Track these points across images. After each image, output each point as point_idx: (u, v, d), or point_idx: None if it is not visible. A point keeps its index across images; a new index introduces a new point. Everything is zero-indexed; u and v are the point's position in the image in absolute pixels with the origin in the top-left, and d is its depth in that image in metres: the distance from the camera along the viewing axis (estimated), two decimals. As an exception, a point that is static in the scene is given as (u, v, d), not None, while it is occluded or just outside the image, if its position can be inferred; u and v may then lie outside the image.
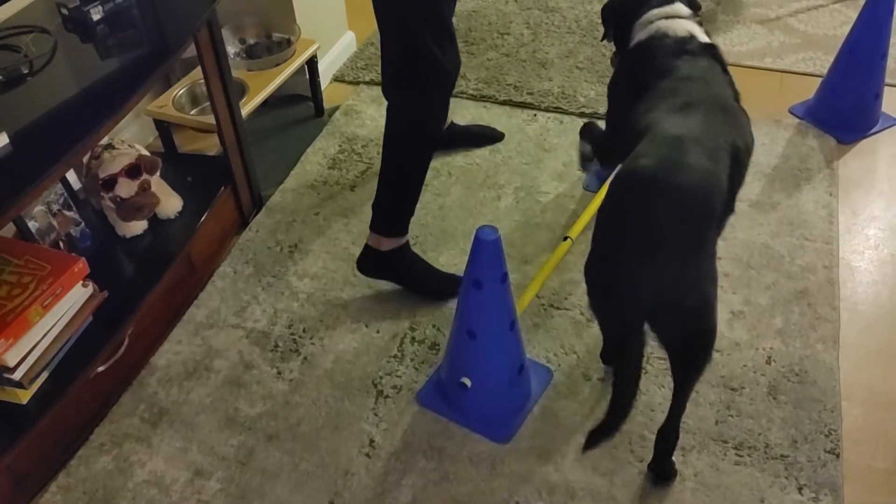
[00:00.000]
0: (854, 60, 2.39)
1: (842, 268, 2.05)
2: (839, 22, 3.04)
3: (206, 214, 2.09)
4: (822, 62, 2.81)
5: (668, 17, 1.73)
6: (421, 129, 1.86)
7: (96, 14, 1.87)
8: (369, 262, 2.00)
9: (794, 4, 3.17)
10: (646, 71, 1.67)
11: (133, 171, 1.92)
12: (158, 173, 2.00)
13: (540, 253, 2.13)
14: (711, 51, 1.69)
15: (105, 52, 1.82)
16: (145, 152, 2.03)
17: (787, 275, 2.02)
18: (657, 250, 1.29)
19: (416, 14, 1.69)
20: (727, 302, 1.97)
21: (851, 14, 3.07)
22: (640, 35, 1.75)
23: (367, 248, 1.99)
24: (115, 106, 1.65)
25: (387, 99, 1.87)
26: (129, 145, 2.03)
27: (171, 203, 2.06)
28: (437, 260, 2.12)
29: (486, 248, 1.50)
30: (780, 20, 3.08)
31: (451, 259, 2.13)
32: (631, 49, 1.78)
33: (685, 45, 1.67)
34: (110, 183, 1.90)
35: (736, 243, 2.12)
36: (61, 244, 1.88)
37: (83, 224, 1.94)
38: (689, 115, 1.47)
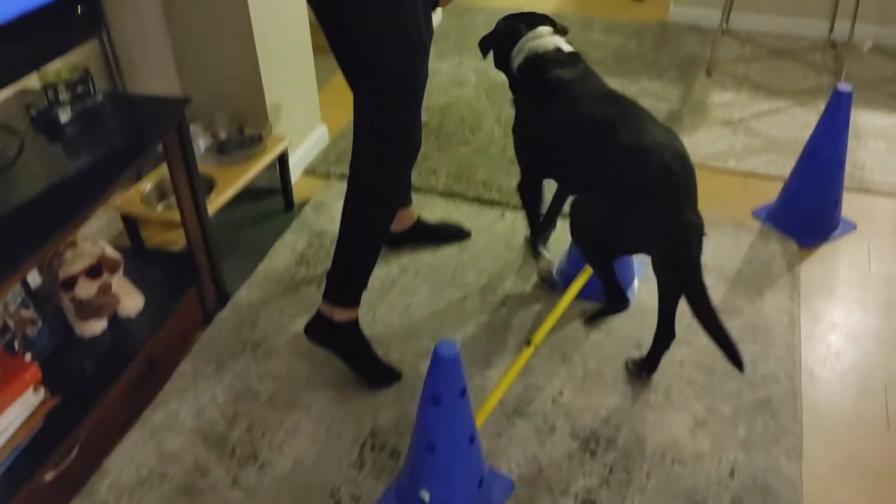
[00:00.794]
0: (813, 168, 2.46)
1: (804, 376, 2.06)
2: (800, 125, 3.13)
3: (168, 313, 2.07)
4: (784, 165, 2.88)
5: (534, 39, 2.06)
6: (378, 195, 1.92)
7: (65, 115, 1.88)
8: (318, 329, 2.04)
9: (756, 107, 3.27)
10: (535, 87, 2.02)
11: (94, 271, 1.90)
12: (121, 272, 1.99)
13: (505, 356, 2.12)
14: (578, 56, 2.05)
15: (73, 153, 1.83)
16: (109, 250, 2.01)
17: (751, 383, 2.03)
18: (695, 202, 1.80)
19: (394, 82, 1.80)
20: (690, 409, 1.96)
21: (811, 118, 3.17)
22: (518, 60, 2.07)
23: (318, 314, 2.02)
24: (81, 207, 1.64)
25: (352, 159, 1.93)
26: (93, 242, 2.01)
27: (132, 302, 2.03)
28: (400, 361, 2.11)
29: (444, 364, 1.49)
30: (742, 122, 3.17)
31: (416, 360, 2.11)
32: (516, 75, 2.10)
33: (558, 57, 2.02)
34: (70, 283, 1.88)
35: (699, 349, 2.13)
36: (16, 344, 1.85)
37: (40, 323, 1.91)
38: (612, 107, 1.87)
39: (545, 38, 2.05)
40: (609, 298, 2.11)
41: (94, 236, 2.10)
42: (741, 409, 1.96)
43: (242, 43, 2.48)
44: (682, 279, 1.82)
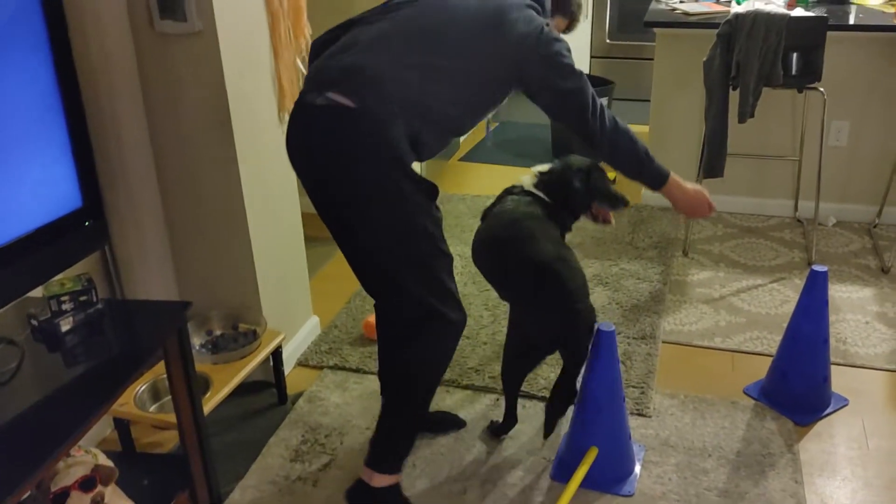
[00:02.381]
0: (798, 348, 2.51)
1: (819, 565, 2.00)
2: (779, 301, 3.23)
3: (160, 522, 2.00)
4: (769, 341, 2.94)
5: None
6: (430, 375, 2.08)
7: (66, 325, 1.90)
8: (358, 495, 2.16)
9: (734, 284, 3.38)
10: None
11: (87, 483, 1.84)
12: (115, 482, 1.93)
13: (510, 554, 2.05)
14: (530, 193, 2.37)
15: (74, 364, 1.83)
16: (103, 459, 1.97)
17: (765, 575, 1.97)
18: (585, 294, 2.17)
19: (413, 279, 1.93)
20: None
21: (789, 293, 3.27)
22: None
23: (359, 481, 2.15)
24: (81, 422, 1.63)
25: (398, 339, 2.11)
26: (86, 451, 1.97)
27: (124, 512, 1.96)
28: None
29: None
30: (724, 300, 3.26)
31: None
32: None
33: (512, 191, 2.41)
34: (62, 497, 1.81)
35: (709, 538, 2.08)
36: (1, 566, 1.76)
37: (28, 540, 1.83)
38: (513, 229, 2.32)
39: (525, 177, 2.43)
40: (506, 416, 2.47)
41: (86, 444, 2.06)
42: None
43: (240, 243, 2.56)
44: (572, 354, 2.21)
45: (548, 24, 2.01)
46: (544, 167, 2.45)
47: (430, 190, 1.94)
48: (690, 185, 2.28)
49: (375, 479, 2.10)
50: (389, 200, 1.86)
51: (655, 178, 2.19)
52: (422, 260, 1.93)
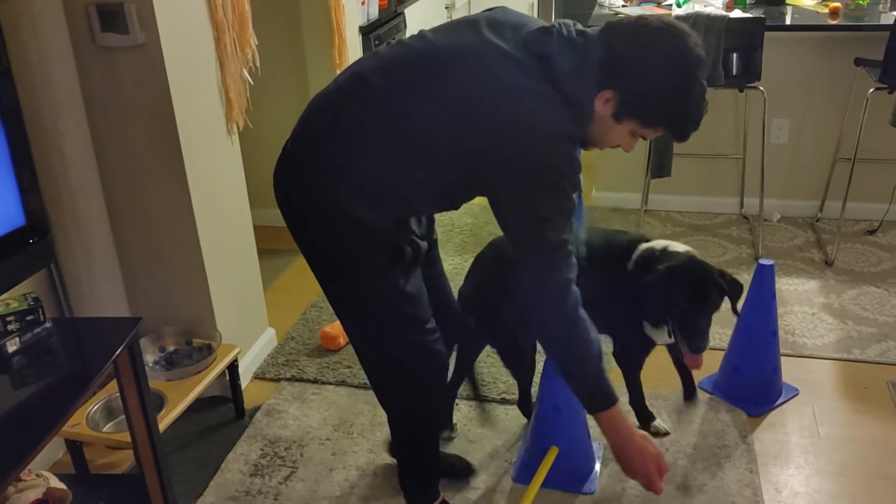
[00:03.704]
0: (749, 341, 2.57)
1: (776, 551, 2.05)
2: (729, 296, 3.29)
3: (117, 544, 1.96)
4: (721, 335, 2.99)
5: None
6: (415, 413, 2.02)
7: (12, 346, 1.85)
8: None
9: (686, 281, 3.43)
10: None
11: (40, 507, 1.81)
12: (68, 504, 1.89)
13: (474, 558, 2.06)
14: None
15: (21, 386, 1.79)
16: (55, 482, 1.93)
17: (725, 564, 2.00)
18: None
19: (381, 328, 1.87)
20: None
21: (738, 288, 3.34)
22: None
23: None
24: (32, 443, 1.58)
25: (382, 405, 2.06)
26: (37, 474, 1.93)
27: (80, 535, 1.92)
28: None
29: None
30: (675, 297, 3.31)
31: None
32: None
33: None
34: (14, 522, 1.78)
35: (669, 531, 2.11)
36: None
37: (-21, 569, 1.78)
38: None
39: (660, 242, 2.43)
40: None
41: (38, 467, 2.01)
42: (720, 593, 1.92)
43: (190, 256, 2.52)
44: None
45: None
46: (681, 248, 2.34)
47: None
48: (639, 438, 1.80)
49: None
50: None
51: (597, 398, 1.78)
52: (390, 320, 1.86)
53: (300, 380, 2.86)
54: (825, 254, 3.62)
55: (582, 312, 1.70)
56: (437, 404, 2.10)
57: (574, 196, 1.65)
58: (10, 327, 1.84)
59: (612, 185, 4.27)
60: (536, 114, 1.59)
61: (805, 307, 3.19)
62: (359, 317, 1.88)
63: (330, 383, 2.82)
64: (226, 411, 2.71)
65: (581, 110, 1.61)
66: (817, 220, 3.98)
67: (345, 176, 1.68)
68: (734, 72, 3.37)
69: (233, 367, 2.63)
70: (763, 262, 2.50)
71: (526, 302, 1.72)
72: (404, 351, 1.88)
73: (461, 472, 2.34)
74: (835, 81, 3.77)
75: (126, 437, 2.11)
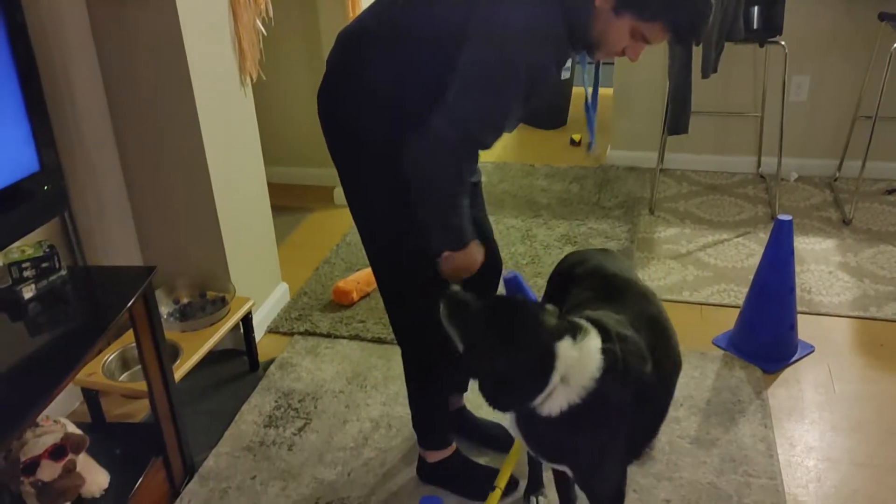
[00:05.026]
0: (765, 297, 2.54)
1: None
2: (744, 254, 3.27)
3: (134, 490, 1.97)
4: (736, 293, 2.98)
5: None
6: (427, 368, 2.02)
7: (28, 292, 1.86)
8: (424, 472, 2.19)
9: (700, 240, 3.41)
10: None
11: (57, 451, 1.82)
12: (85, 450, 1.90)
13: (487, 507, 2.07)
14: None
15: (38, 332, 1.79)
16: (72, 427, 1.93)
17: (738, 516, 2.00)
18: None
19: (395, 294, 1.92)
20: (683, 550, 1.91)
21: (754, 247, 3.32)
22: None
23: (420, 458, 2.18)
24: (47, 388, 1.59)
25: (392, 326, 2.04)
26: (55, 421, 1.93)
27: (96, 481, 1.93)
28: (381, 523, 2.03)
29: None
30: (690, 255, 3.29)
31: (397, 521, 2.04)
32: None
33: None
34: (32, 466, 1.79)
35: (683, 484, 2.11)
36: (-28, 538, 1.73)
37: (-2, 512, 1.80)
38: None
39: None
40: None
41: (55, 415, 2.03)
42: (733, 544, 1.93)
43: (204, 208, 2.51)
44: None
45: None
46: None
47: None
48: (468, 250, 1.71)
49: (429, 456, 2.14)
50: None
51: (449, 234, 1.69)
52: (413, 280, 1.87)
53: (313, 334, 2.86)
54: (843, 213, 3.58)
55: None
56: (444, 357, 2.03)
57: (512, 108, 1.59)
58: (25, 274, 1.85)
59: (627, 143, 4.22)
60: (519, 7, 1.54)
61: (822, 266, 3.16)
62: (377, 217, 1.85)
63: (343, 337, 2.82)
64: (240, 364, 2.72)
65: (578, 4, 1.54)
66: (835, 180, 3.93)
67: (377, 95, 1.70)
68: (755, 25, 3.31)
69: (246, 320, 2.64)
70: (781, 217, 2.47)
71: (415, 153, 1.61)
72: (420, 261, 1.81)
73: (501, 442, 2.26)
74: (857, 37, 3.70)
75: (142, 386, 2.12)
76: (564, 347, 1.45)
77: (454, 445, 2.14)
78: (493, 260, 2.07)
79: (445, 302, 1.58)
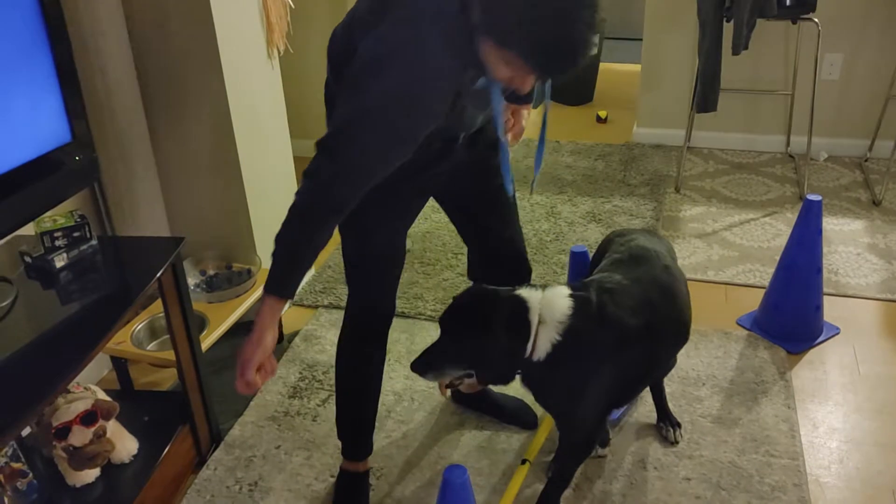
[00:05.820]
0: (792, 277, 2.52)
1: (811, 485, 2.04)
2: (771, 235, 3.24)
3: (162, 456, 2.01)
4: (762, 273, 2.96)
5: None
6: (347, 353, 1.98)
7: (60, 261, 1.89)
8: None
9: (727, 219, 3.38)
10: None
11: (88, 417, 1.86)
12: (115, 417, 1.94)
13: (507, 477, 2.08)
14: None
15: (69, 300, 1.82)
16: (102, 395, 1.98)
17: (759, 495, 2.00)
18: None
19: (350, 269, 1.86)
20: (703, 527, 1.92)
21: (781, 227, 3.28)
22: None
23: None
24: (78, 356, 1.62)
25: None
26: (85, 388, 1.98)
27: (126, 447, 1.98)
28: (404, 494, 2.06)
29: (455, 490, 1.46)
30: (716, 234, 3.27)
31: (419, 493, 2.06)
32: None
33: None
34: (63, 431, 1.83)
35: (703, 462, 2.11)
36: (6, 500, 1.77)
37: (31, 475, 1.84)
38: None
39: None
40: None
41: (85, 383, 2.07)
42: (753, 522, 1.93)
43: (231, 181, 2.53)
44: None
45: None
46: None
47: None
48: (265, 337, 1.52)
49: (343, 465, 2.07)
50: None
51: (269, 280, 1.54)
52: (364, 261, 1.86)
53: (337, 307, 2.88)
54: (873, 194, 3.53)
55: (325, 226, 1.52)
56: (382, 310, 1.93)
57: (399, 151, 1.45)
58: (57, 243, 1.87)
59: (653, 120, 4.18)
60: (407, 43, 1.38)
61: (850, 247, 3.13)
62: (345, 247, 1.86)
63: (367, 311, 2.84)
64: (265, 335, 2.75)
65: (458, 24, 1.35)
66: (866, 160, 3.87)
67: None
68: (788, 2, 3.25)
69: (272, 293, 2.66)
70: (811, 197, 2.44)
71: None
72: (361, 286, 1.86)
73: (524, 418, 2.28)
74: (892, 15, 3.62)
75: (170, 355, 2.16)
76: (532, 296, 1.66)
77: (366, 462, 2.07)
78: (519, 268, 2.07)
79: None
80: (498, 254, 2.04)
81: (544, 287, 1.70)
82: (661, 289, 1.80)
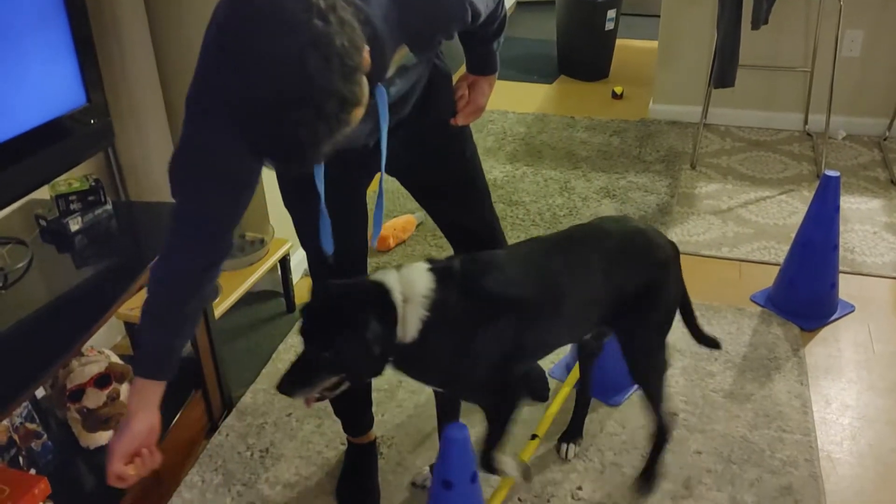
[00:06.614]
0: (808, 254, 2.50)
1: (822, 461, 2.04)
2: (787, 212, 3.21)
3: (174, 421, 2.03)
4: (777, 251, 2.94)
5: None
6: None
7: (75, 225, 1.89)
8: None
9: (742, 196, 3.36)
10: None
11: (102, 380, 1.87)
12: (129, 380, 1.95)
13: (517, 451, 2.09)
14: None
15: (82, 263, 1.84)
16: (115, 358, 1.99)
17: (770, 470, 2.00)
18: None
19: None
20: (712, 500, 1.92)
21: (797, 205, 3.26)
22: None
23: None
24: (91, 319, 1.64)
25: None
26: (99, 351, 1.99)
27: (139, 411, 1.99)
28: (414, 462, 2.07)
29: (455, 447, 1.47)
30: (731, 211, 3.25)
31: (429, 462, 2.07)
32: None
33: None
34: (77, 393, 1.84)
35: (715, 436, 2.11)
36: (21, 460, 1.79)
37: (45, 436, 1.86)
38: None
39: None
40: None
41: (98, 346, 2.08)
42: (764, 497, 1.93)
43: (245, 150, 2.52)
44: None
45: None
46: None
47: None
48: (141, 425, 1.39)
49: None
50: None
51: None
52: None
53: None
54: (891, 173, 3.49)
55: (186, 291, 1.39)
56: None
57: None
58: (72, 206, 1.88)
59: (670, 96, 4.14)
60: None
61: (866, 225, 3.10)
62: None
63: (379, 282, 2.84)
64: (276, 305, 2.76)
65: None
66: (885, 139, 3.82)
67: None
68: (809, -24, 3.20)
69: (284, 262, 2.67)
70: (829, 173, 2.41)
71: None
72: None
73: (539, 390, 2.28)
74: (916, -9, 3.57)
75: (182, 321, 2.16)
76: (388, 277, 1.51)
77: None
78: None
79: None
80: (467, 237, 1.98)
81: (398, 267, 1.56)
82: (575, 263, 1.68)
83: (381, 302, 1.48)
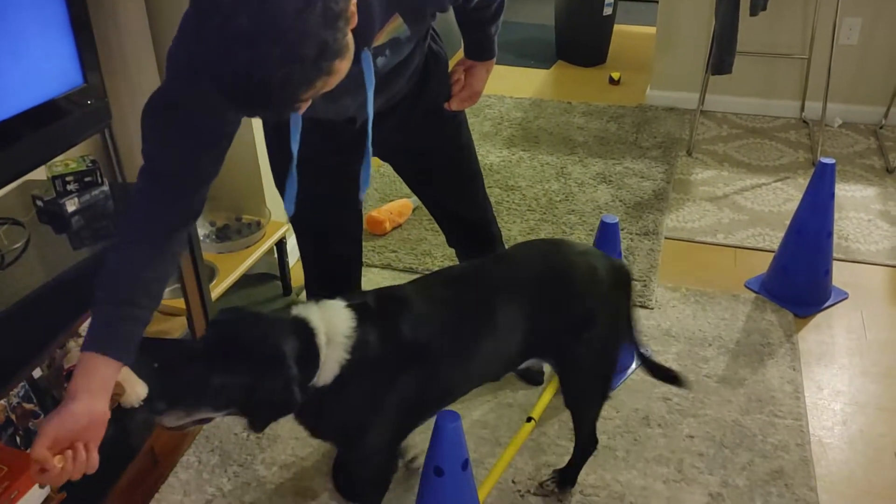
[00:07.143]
0: (802, 241, 2.52)
1: (814, 445, 2.06)
2: (782, 199, 3.23)
3: (171, 402, 2.04)
4: (772, 238, 2.95)
5: None
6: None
7: (72, 206, 1.89)
8: None
9: (738, 183, 3.37)
10: None
11: (100, 361, 1.87)
12: (125, 361, 1.96)
13: (511, 434, 2.10)
14: None
15: (79, 244, 1.83)
16: (112, 340, 1.99)
17: (762, 454, 2.02)
18: None
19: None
20: (704, 484, 1.94)
21: (792, 192, 3.27)
22: None
23: None
24: (88, 300, 1.63)
25: None
26: (96, 332, 1.99)
27: (135, 391, 1.99)
28: (410, 442, 2.08)
29: (446, 435, 1.48)
30: (727, 198, 3.26)
31: (425, 444, 2.08)
32: None
33: None
34: (75, 374, 1.85)
35: (707, 420, 2.13)
36: (18, 439, 1.80)
37: (42, 416, 1.87)
38: None
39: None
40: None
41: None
42: (755, 481, 1.95)
43: (242, 133, 2.51)
44: None
45: None
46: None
47: None
48: (80, 406, 1.22)
49: None
50: None
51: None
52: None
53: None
54: (886, 161, 3.50)
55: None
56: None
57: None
58: (69, 187, 1.88)
59: (667, 83, 4.14)
60: None
61: (861, 213, 3.11)
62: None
63: (375, 266, 2.85)
64: (273, 288, 2.77)
65: None
66: (881, 127, 3.83)
67: None
68: (808, -37, 3.19)
69: (281, 245, 2.67)
70: (824, 160, 2.42)
71: None
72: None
73: (533, 378, 2.28)
74: (915, -21, 3.56)
75: (180, 304, 2.17)
76: (312, 314, 1.43)
77: None
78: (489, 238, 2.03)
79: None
80: (459, 224, 2.01)
81: (317, 302, 1.49)
82: (480, 308, 1.58)
83: (307, 342, 1.40)
